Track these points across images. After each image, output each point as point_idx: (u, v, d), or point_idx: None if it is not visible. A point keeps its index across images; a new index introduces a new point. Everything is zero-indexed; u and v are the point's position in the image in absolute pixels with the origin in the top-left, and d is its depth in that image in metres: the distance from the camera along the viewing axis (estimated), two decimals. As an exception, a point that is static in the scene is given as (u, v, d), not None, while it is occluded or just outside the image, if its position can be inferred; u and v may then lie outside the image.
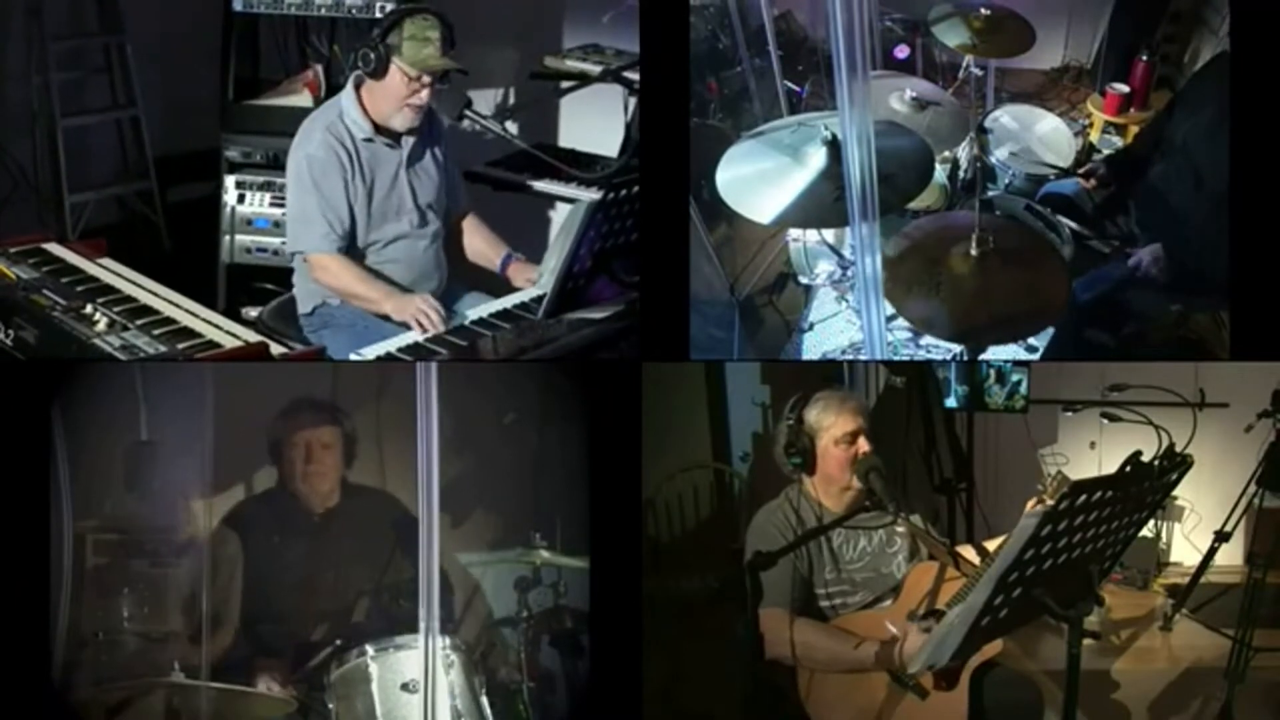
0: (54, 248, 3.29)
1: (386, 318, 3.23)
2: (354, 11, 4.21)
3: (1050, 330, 3.44)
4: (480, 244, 3.55)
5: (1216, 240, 3.02)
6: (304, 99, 4.33)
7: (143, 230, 4.89)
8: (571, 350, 3.07)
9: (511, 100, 4.68)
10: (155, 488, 3.31)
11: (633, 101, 4.21)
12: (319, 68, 4.41)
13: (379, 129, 3.28)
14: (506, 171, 4.13)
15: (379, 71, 3.18)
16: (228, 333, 2.88)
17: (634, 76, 4.07)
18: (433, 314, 3.15)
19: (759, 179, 3.04)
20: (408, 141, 3.33)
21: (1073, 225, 3.47)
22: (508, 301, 3.32)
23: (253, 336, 2.88)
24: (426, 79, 3.20)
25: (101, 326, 2.84)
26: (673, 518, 3.83)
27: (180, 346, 2.80)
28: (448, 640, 2.88)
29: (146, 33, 4.81)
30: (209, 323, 2.93)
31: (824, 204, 2.91)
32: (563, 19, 4.67)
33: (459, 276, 3.54)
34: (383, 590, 3.14)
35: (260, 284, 4.26)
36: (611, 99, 4.31)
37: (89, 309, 2.90)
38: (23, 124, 4.61)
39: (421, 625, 2.69)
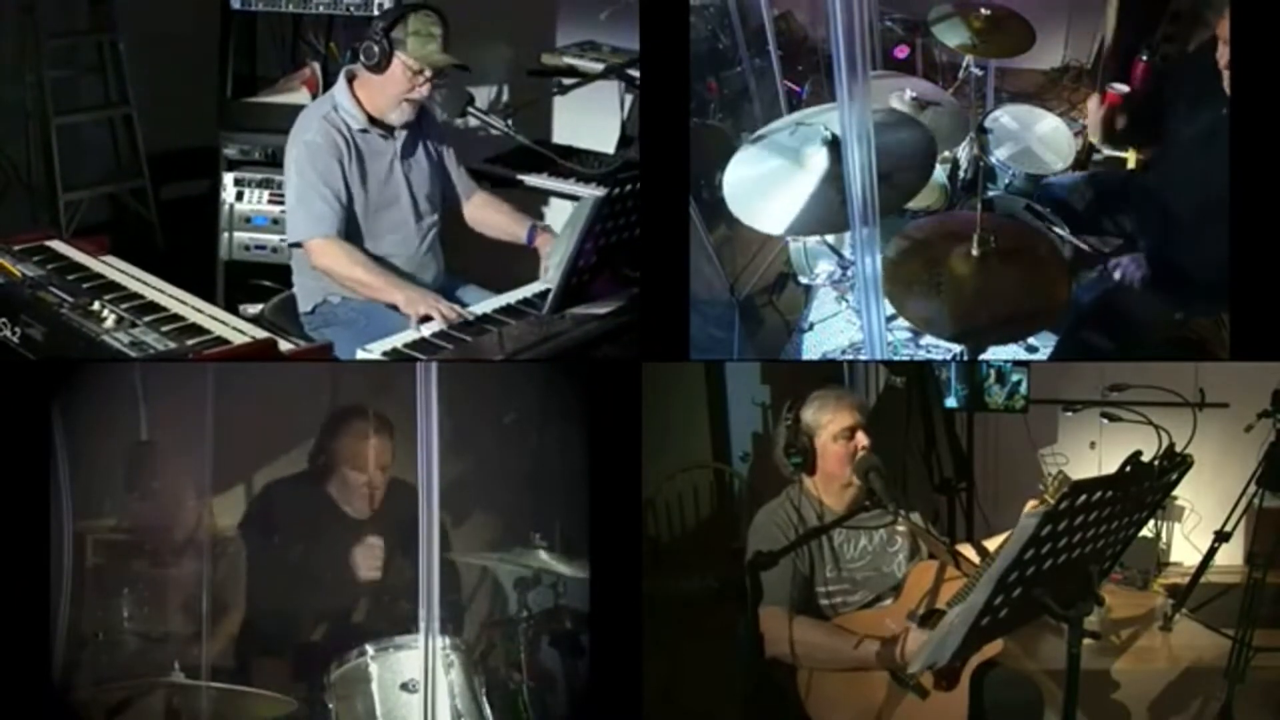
0: (58, 245, 3.28)
1: (394, 308, 3.21)
2: (351, 9, 4.21)
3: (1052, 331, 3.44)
4: (502, 220, 3.56)
5: (1216, 244, 3.02)
6: (302, 96, 4.33)
7: (136, 228, 4.88)
8: (576, 345, 3.06)
9: (505, 97, 4.68)
10: (155, 488, 3.31)
11: (629, 98, 4.21)
12: (316, 65, 4.41)
13: (373, 121, 3.30)
14: (505, 168, 4.13)
15: (381, 65, 3.20)
16: (235, 329, 2.87)
17: (636, 73, 4.06)
18: (451, 310, 3.11)
19: (762, 185, 3.02)
20: (401, 134, 3.35)
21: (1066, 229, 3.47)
22: (512, 296, 3.31)
23: (260, 333, 2.87)
24: (427, 74, 3.23)
25: (110, 323, 2.83)
26: (673, 518, 3.83)
27: (189, 343, 2.79)
28: (448, 640, 2.87)
29: (139, 31, 4.81)
30: (216, 319, 2.92)
31: (830, 208, 2.90)
32: (556, 16, 4.67)
33: (456, 270, 3.54)
34: (384, 590, 3.14)
35: (258, 281, 4.26)
36: (606, 96, 4.31)
37: (96, 306, 2.88)
38: (16, 122, 4.61)
39: (421, 625, 2.69)
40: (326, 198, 3.22)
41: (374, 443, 3.17)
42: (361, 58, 3.22)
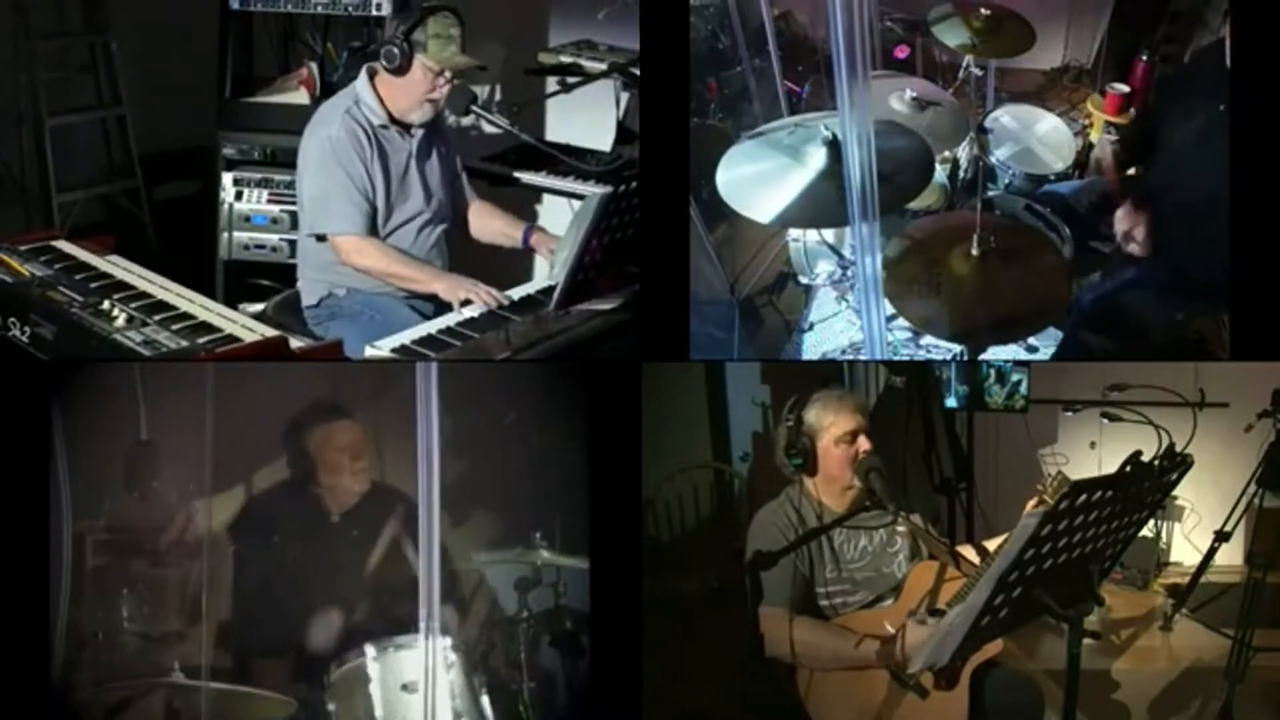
0: (64, 245, 3.27)
1: (432, 298, 3.28)
2: (350, 9, 4.21)
3: (1052, 331, 3.44)
4: (497, 223, 3.61)
5: (1216, 244, 3.01)
6: (300, 96, 4.34)
7: (130, 229, 4.88)
8: (582, 340, 3.09)
9: (499, 96, 4.68)
10: (155, 488, 3.31)
11: (625, 96, 4.22)
12: (313, 65, 4.42)
13: (393, 119, 3.36)
14: (504, 166, 4.13)
15: (401, 68, 3.26)
16: (245, 327, 2.87)
17: (638, 72, 4.06)
18: (491, 294, 3.20)
19: (759, 179, 3.03)
20: (418, 132, 3.40)
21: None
22: (516, 293, 3.33)
23: (270, 331, 2.87)
24: (447, 75, 3.29)
25: (121, 322, 2.82)
26: (673, 518, 3.82)
27: (200, 341, 2.79)
28: (448, 640, 2.87)
29: (132, 31, 4.81)
30: (226, 317, 2.92)
31: (825, 203, 2.90)
32: (549, 15, 4.66)
33: (459, 270, 3.55)
34: (383, 591, 3.14)
35: (258, 280, 4.26)
36: (602, 94, 4.31)
37: (106, 305, 2.87)
38: (10, 123, 4.61)
39: (421, 625, 2.69)
40: (353, 195, 3.28)
41: (337, 430, 3.18)
42: (382, 60, 3.28)
